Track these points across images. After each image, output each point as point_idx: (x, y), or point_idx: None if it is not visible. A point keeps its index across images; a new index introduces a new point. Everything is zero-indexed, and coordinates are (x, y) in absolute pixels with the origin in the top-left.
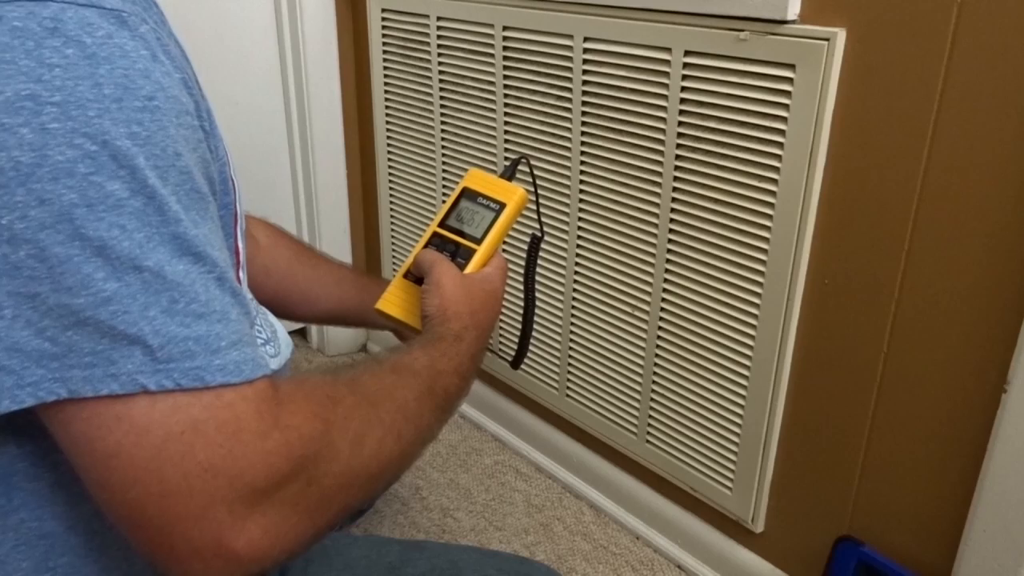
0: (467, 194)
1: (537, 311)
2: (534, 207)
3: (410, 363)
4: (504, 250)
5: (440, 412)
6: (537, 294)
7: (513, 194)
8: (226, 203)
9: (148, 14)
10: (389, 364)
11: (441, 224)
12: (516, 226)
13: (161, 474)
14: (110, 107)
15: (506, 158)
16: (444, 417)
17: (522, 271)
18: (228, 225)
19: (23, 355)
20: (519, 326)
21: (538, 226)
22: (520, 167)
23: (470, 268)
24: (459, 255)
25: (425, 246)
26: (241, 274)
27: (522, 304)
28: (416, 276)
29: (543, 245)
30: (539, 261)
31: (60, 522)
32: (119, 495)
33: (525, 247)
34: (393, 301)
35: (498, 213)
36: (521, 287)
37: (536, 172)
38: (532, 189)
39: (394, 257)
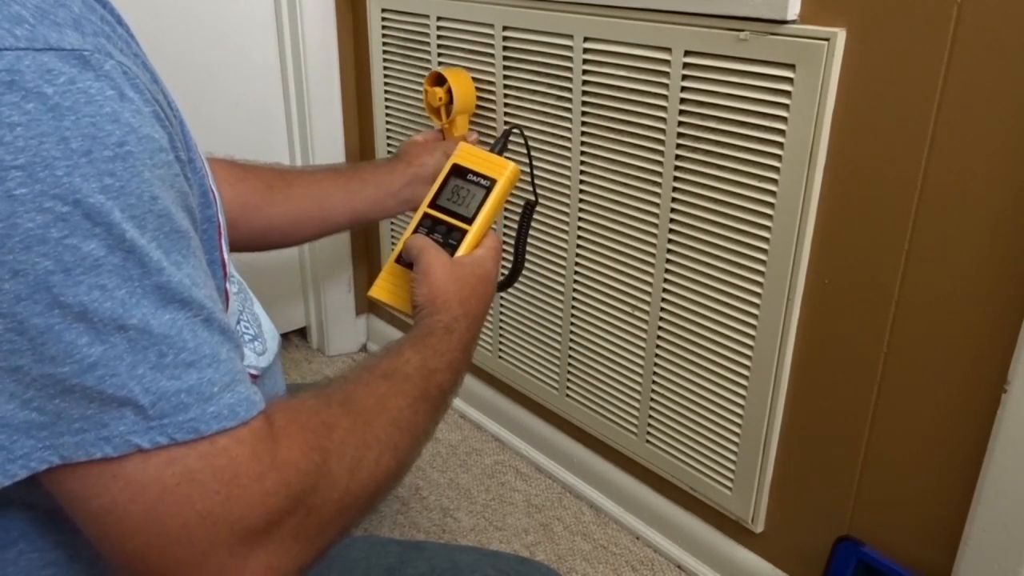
0: (457, 171)
1: (537, 311)
2: (527, 178)
3: (402, 366)
4: (506, 219)
5: (435, 412)
6: (537, 293)
7: (504, 169)
8: (208, 216)
9: (113, 42)
10: (381, 370)
11: (431, 204)
12: (513, 196)
13: (160, 526)
14: (79, 162)
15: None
16: (439, 415)
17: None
18: (212, 238)
19: (10, 429)
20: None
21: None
22: (513, 137)
23: (462, 250)
24: (450, 237)
25: (416, 229)
26: (228, 285)
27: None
28: (408, 261)
29: (543, 242)
30: (538, 261)
31: (62, 551)
32: (118, 546)
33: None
34: (385, 288)
35: (489, 190)
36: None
37: (536, 172)
38: (526, 161)
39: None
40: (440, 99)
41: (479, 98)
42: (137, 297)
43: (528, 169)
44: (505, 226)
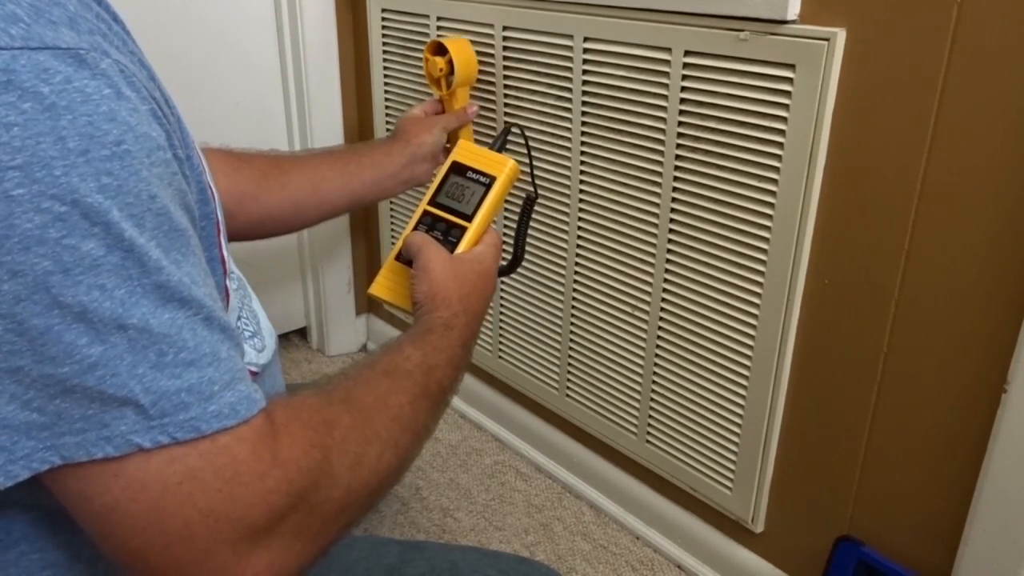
0: (456, 168)
1: (537, 311)
2: (527, 175)
3: (402, 363)
4: (507, 213)
5: (436, 408)
6: (537, 292)
7: (503, 166)
8: (206, 212)
9: (109, 40)
10: (381, 367)
11: (431, 202)
12: (513, 192)
13: (162, 524)
14: (76, 162)
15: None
16: (440, 412)
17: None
18: (211, 235)
19: (11, 430)
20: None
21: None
22: (512, 136)
23: (462, 247)
24: (450, 234)
25: (415, 226)
26: (228, 282)
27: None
28: (408, 258)
29: (543, 241)
30: (538, 260)
31: (63, 552)
32: (121, 545)
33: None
34: (385, 285)
35: (488, 187)
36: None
37: (536, 172)
38: (525, 158)
39: None
40: (440, 70)
41: (481, 84)
42: (137, 296)
43: (527, 165)
44: (505, 222)
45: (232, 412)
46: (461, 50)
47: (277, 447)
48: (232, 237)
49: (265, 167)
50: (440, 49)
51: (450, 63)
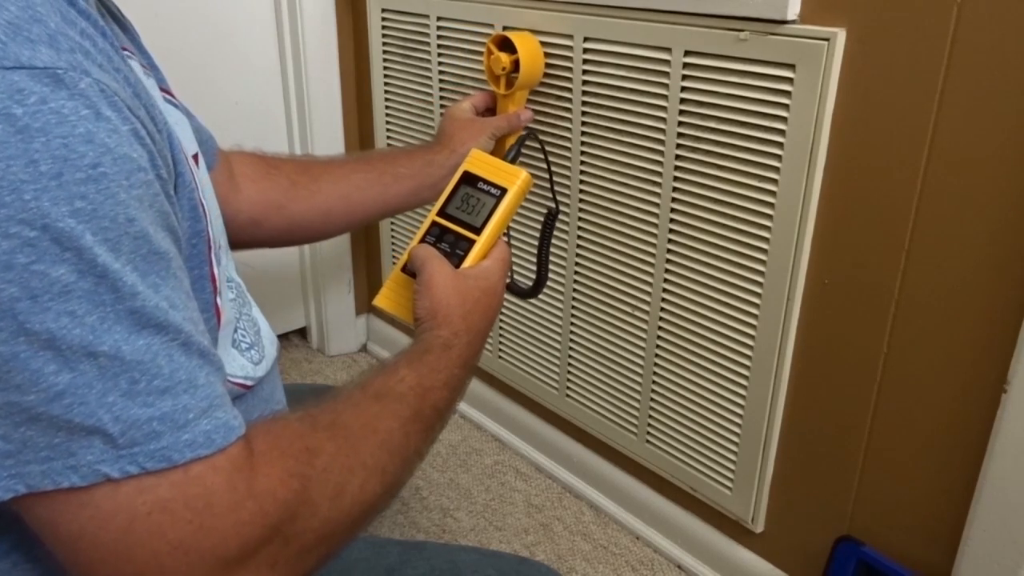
0: (467, 179)
1: (537, 311)
2: (545, 185)
3: (395, 386)
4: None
5: (429, 432)
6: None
7: (515, 177)
8: (197, 230)
9: (91, 58)
10: (373, 390)
11: (440, 212)
12: (532, 200)
13: (130, 554)
14: (48, 185)
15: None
16: (435, 434)
17: (535, 248)
18: (201, 252)
19: None
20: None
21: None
22: (529, 143)
23: (468, 261)
24: (458, 247)
25: (423, 237)
26: (220, 298)
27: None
28: (412, 271)
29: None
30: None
31: (55, 560)
32: (88, 573)
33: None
34: (390, 296)
35: (499, 199)
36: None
37: (536, 172)
38: (541, 167)
39: (394, 255)
40: (504, 68)
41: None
42: (109, 323)
43: (546, 176)
44: (511, 232)
45: (207, 441)
46: (529, 49)
47: (253, 477)
48: (259, 244)
49: (294, 175)
50: (506, 44)
51: (516, 63)
